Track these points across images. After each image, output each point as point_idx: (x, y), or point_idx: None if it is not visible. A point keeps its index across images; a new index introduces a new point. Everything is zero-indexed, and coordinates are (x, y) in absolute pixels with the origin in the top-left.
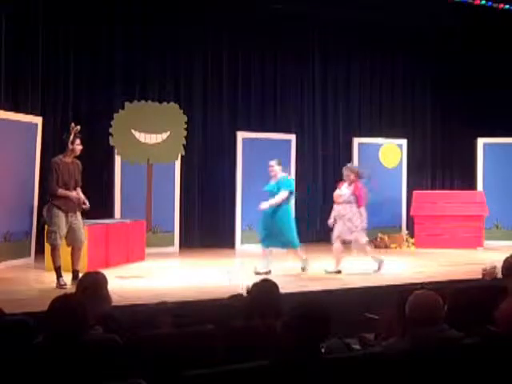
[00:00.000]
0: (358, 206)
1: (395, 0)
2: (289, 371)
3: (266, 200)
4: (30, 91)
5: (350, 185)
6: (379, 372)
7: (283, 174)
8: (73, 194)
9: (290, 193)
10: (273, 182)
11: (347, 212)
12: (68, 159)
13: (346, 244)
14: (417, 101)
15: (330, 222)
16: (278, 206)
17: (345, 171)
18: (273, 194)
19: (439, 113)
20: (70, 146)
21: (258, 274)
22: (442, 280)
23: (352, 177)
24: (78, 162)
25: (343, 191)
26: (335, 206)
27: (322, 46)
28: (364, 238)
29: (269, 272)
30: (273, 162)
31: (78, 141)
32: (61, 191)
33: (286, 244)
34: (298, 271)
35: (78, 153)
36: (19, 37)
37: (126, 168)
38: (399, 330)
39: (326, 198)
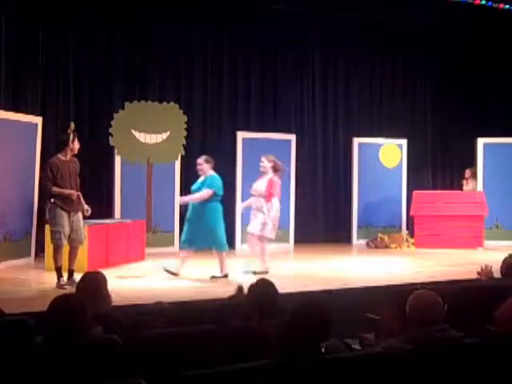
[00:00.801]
0: (266, 200)
1: (395, 0)
2: (289, 371)
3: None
4: (30, 91)
5: (264, 177)
6: (379, 372)
7: (212, 173)
8: (70, 191)
9: (215, 192)
10: (200, 181)
11: (259, 205)
12: (67, 158)
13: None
14: (417, 101)
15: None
16: (206, 205)
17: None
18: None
19: (439, 113)
20: (71, 145)
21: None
22: (441, 280)
23: (267, 169)
24: (77, 160)
25: (260, 184)
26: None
27: (322, 46)
28: (260, 232)
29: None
30: (201, 160)
31: (76, 139)
32: (55, 189)
33: (212, 244)
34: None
35: (76, 151)
36: (19, 37)
37: (125, 168)
38: (399, 330)
39: (326, 198)
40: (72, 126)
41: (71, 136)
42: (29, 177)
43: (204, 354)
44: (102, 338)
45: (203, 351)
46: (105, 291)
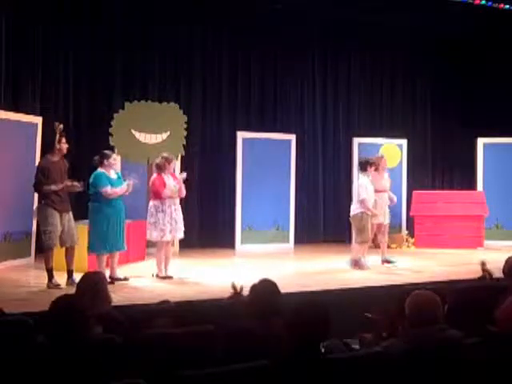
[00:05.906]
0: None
1: (395, 0)
2: (289, 371)
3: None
4: (30, 91)
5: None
6: (379, 372)
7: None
8: (58, 186)
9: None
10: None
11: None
12: (56, 158)
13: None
14: (417, 101)
15: None
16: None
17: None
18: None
19: (439, 113)
20: (57, 146)
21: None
22: (442, 280)
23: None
24: (66, 160)
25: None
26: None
27: (322, 45)
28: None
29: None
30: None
31: (63, 139)
32: (45, 187)
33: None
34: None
35: (64, 151)
36: (19, 37)
37: (125, 168)
38: (399, 330)
39: (327, 198)
40: (57, 125)
41: (57, 136)
42: (29, 177)
43: (204, 354)
44: (102, 338)
45: (203, 351)
46: (105, 291)
